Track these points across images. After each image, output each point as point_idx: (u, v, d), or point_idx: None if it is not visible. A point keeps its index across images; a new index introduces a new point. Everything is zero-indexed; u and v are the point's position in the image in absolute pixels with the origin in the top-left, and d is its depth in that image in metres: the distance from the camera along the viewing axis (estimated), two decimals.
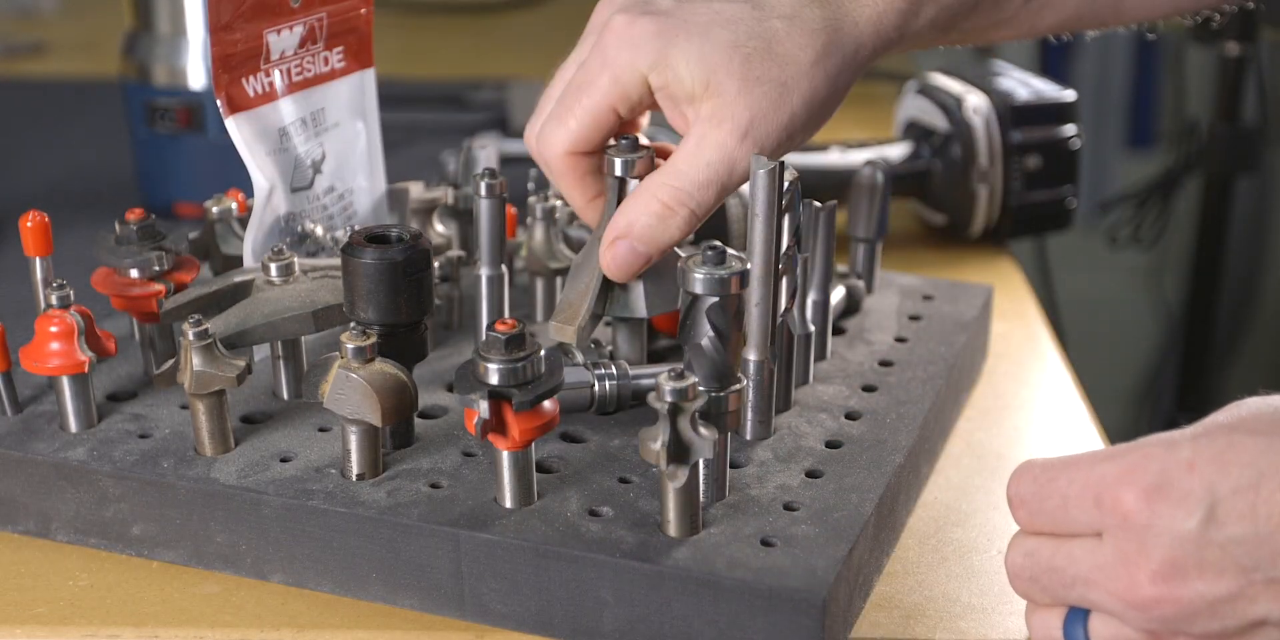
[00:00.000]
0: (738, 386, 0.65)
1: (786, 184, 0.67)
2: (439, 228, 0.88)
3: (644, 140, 0.73)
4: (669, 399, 0.59)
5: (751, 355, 0.69)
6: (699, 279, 0.64)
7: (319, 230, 0.82)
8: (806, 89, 0.69)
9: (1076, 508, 0.57)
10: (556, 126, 0.71)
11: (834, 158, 1.08)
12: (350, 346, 0.66)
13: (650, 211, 0.69)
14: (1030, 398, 0.89)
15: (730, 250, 0.66)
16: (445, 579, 0.64)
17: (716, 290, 0.64)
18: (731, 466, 0.69)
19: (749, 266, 0.65)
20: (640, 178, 0.71)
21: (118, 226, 0.77)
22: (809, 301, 0.78)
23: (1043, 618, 0.60)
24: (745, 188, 0.67)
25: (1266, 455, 0.54)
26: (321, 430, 0.72)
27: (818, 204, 0.77)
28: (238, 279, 0.75)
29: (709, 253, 0.64)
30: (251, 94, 0.77)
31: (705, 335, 0.64)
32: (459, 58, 1.69)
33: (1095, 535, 0.57)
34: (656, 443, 0.60)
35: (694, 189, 0.68)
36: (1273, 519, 0.53)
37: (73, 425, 0.72)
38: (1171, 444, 0.56)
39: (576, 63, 0.73)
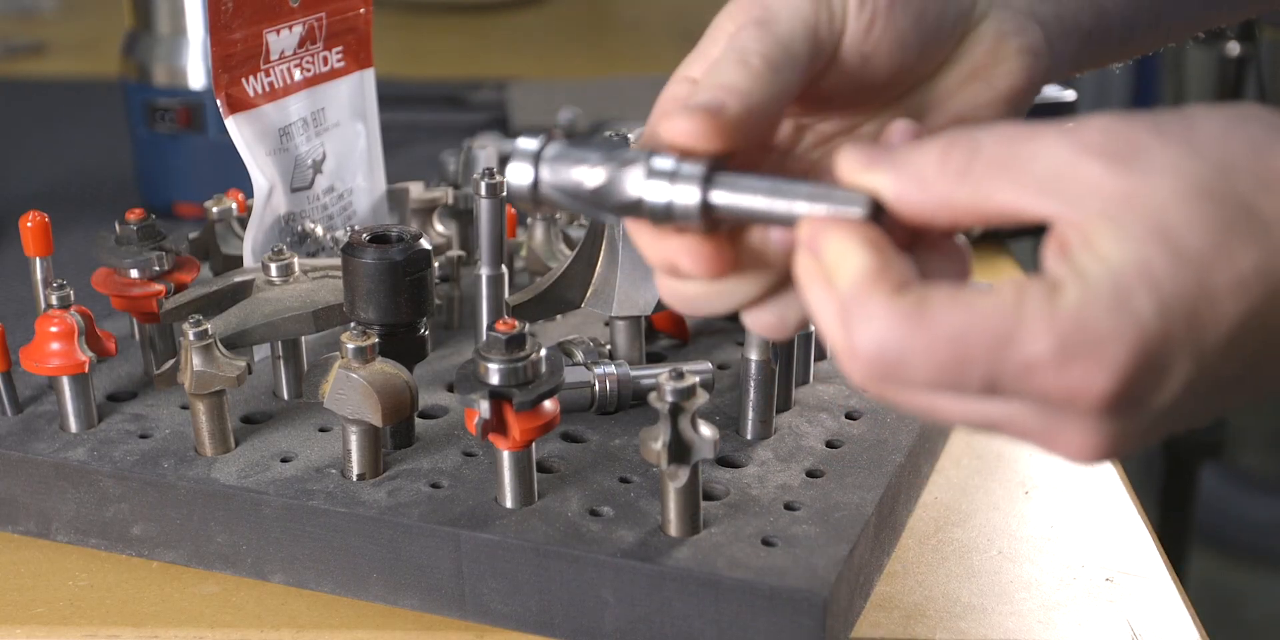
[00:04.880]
0: None
1: None
2: (439, 228, 0.88)
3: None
4: (670, 399, 0.59)
5: (752, 355, 0.69)
6: None
7: (319, 230, 0.82)
8: None
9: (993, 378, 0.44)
10: None
11: None
12: (350, 346, 0.66)
13: None
14: None
15: None
16: (446, 579, 0.64)
17: None
18: (732, 466, 0.69)
19: None
20: None
21: (118, 226, 0.77)
22: None
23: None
24: None
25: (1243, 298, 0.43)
26: (322, 430, 0.72)
27: None
28: (238, 279, 0.75)
29: None
30: (251, 94, 0.77)
31: None
32: (459, 58, 1.69)
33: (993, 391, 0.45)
34: (657, 442, 0.60)
35: None
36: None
37: (73, 425, 0.72)
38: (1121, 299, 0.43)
39: None
